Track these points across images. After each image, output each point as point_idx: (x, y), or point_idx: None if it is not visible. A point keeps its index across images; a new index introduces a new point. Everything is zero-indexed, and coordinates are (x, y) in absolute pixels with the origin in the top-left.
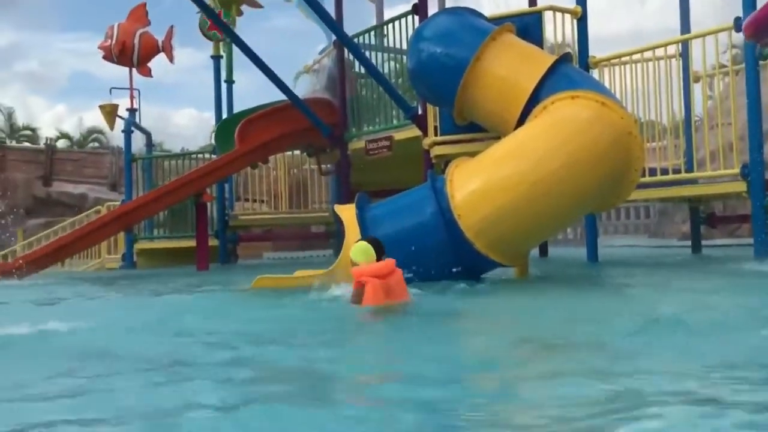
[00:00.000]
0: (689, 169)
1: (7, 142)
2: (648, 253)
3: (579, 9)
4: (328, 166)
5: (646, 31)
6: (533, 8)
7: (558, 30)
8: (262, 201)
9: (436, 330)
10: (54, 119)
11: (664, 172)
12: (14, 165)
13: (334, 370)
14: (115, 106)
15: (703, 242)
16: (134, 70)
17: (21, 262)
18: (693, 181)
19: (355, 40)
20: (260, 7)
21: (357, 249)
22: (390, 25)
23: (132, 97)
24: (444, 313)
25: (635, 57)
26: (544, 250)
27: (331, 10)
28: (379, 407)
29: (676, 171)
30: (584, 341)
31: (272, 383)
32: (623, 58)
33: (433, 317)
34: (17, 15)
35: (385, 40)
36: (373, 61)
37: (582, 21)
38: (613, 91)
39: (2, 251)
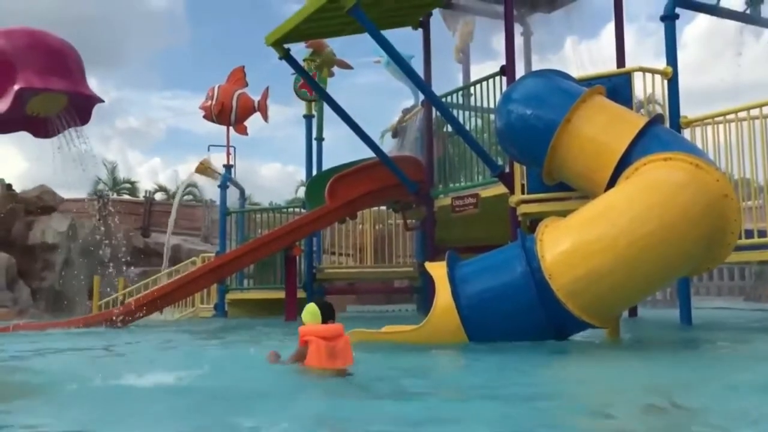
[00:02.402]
0: None
1: (110, 194)
2: (745, 317)
3: (670, 69)
4: (414, 221)
5: (743, 84)
6: (622, 69)
7: (648, 89)
8: (348, 254)
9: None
10: (149, 172)
11: (762, 233)
12: (116, 216)
13: None
14: (207, 161)
15: None
16: (231, 128)
17: (117, 313)
18: None
19: (443, 99)
20: (350, 68)
21: (306, 310)
22: (477, 85)
23: (228, 154)
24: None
25: (729, 117)
26: (633, 311)
27: (419, 70)
28: None
29: None
30: (681, 409)
31: None
32: (716, 118)
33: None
34: (120, 75)
35: (472, 99)
36: (460, 119)
37: (673, 81)
38: (705, 149)
39: (105, 299)
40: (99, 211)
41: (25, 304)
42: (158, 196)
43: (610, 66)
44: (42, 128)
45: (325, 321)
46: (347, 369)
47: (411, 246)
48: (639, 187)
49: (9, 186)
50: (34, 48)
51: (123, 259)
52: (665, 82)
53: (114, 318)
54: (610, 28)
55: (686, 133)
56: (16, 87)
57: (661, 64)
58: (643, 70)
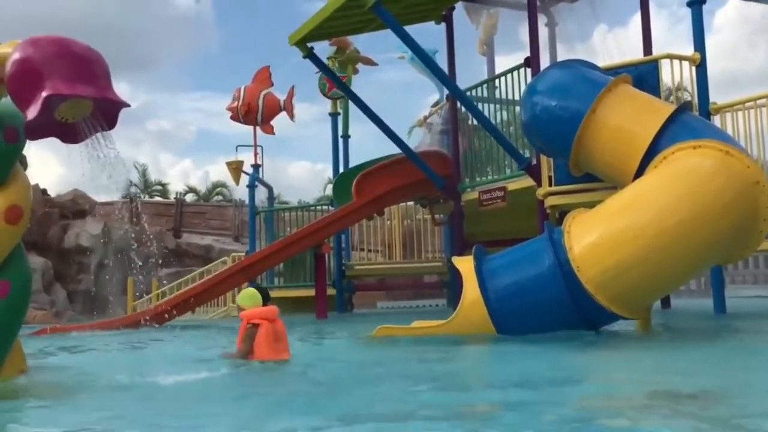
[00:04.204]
0: None
1: (142, 196)
2: None
3: (698, 56)
4: (442, 216)
5: None
6: (649, 57)
7: (676, 77)
8: (377, 251)
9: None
10: (181, 173)
11: None
12: (147, 218)
13: None
14: (241, 163)
15: None
16: (258, 128)
17: (147, 317)
18: None
19: (468, 93)
20: (375, 65)
21: (245, 294)
22: (502, 78)
23: (256, 154)
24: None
25: (759, 102)
26: (666, 302)
27: (443, 64)
28: None
29: None
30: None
31: None
32: (747, 104)
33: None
34: (150, 78)
35: (497, 91)
36: (485, 112)
37: (701, 67)
38: (735, 136)
39: (139, 300)
40: (131, 213)
41: (62, 307)
42: (189, 198)
43: (637, 54)
44: (70, 133)
45: (264, 304)
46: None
47: (440, 241)
48: (668, 175)
49: (44, 191)
50: (61, 55)
51: (155, 260)
52: (693, 68)
53: (147, 318)
54: (638, 15)
55: (716, 120)
56: (44, 94)
57: (692, 49)
58: (671, 57)
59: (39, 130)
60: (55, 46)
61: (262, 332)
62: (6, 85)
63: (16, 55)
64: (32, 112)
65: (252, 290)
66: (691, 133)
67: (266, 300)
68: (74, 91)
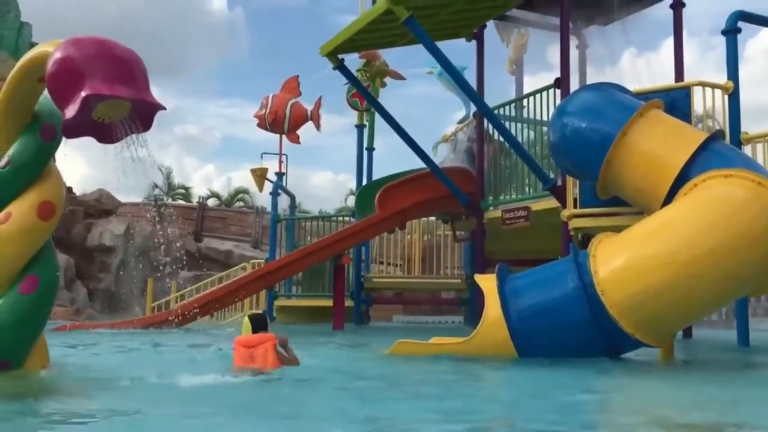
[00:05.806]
0: None
1: (165, 199)
2: None
3: (731, 84)
4: (463, 233)
5: None
6: (681, 83)
7: (708, 104)
8: (396, 264)
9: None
10: (204, 178)
11: None
12: (170, 221)
13: None
14: (265, 170)
15: None
16: (284, 136)
17: (176, 314)
18: None
19: (495, 111)
20: (403, 78)
21: (243, 323)
22: (530, 97)
23: (281, 162)
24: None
25: None
26: (688, 332)
27: (471, 82)
28: None
29: None
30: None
31: None
32: None
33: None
34: (180, 83)
35: (524, 111)
36: (512, 131)
37: (734, 96)
38: (766, 167)
39: (158, 301)
40: (154, 215)
41: (82, 304)
42: (211, 202)
43: (667, 80)
44: (107, 133)
45: (255, 331)
46: (262, 371)
47: (459, 257)
48: (699, 203)
49: (69, 189)
50: (101, 56)
51: (176, 263)
52: (725, 96)
53: (170, 320)
54: (670, 41)
55: (747, 150)
56: (83, 94)
57: (723, 78)
58: (703, 84)
59: (76, 129)
60: (96, 47)
61: (234, 354)
62: (46, 84)
63: (58, 54)
64: (71, 111)
65: (245, 319)
66: (723, 162)
67: (259, 328)
68: (114, 92)
